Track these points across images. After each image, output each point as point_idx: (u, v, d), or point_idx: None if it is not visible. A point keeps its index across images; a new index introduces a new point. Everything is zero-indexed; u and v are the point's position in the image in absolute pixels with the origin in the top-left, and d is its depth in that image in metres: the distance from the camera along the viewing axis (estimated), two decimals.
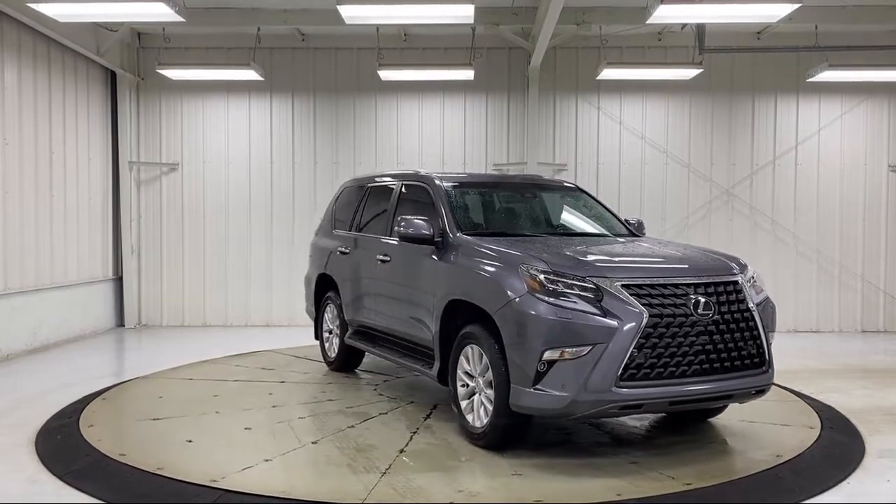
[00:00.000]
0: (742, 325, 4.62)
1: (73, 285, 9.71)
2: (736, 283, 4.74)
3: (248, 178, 10.89)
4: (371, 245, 6.45)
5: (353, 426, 5.33)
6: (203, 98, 10.87)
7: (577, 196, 6.61)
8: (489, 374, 4.71)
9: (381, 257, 6.15)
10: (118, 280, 10.85)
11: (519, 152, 10.69)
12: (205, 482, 4.14)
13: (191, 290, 10.96)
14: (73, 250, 9.75)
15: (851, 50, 9.77)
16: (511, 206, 6.36)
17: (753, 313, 4.68)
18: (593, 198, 6.72)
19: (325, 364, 7.48)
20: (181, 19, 7.56)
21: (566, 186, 6.79)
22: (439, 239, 5.39)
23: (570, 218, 6.51)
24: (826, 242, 10.73)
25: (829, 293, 10.74)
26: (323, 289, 7.47)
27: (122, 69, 10.42)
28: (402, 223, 5.43)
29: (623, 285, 4.44)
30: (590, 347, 4.24)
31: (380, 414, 5.68)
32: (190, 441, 4.96)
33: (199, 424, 5.38)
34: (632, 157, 10.75)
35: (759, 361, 4.68)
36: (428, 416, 5.68)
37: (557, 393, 4.29)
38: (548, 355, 4.30)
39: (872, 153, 10.74)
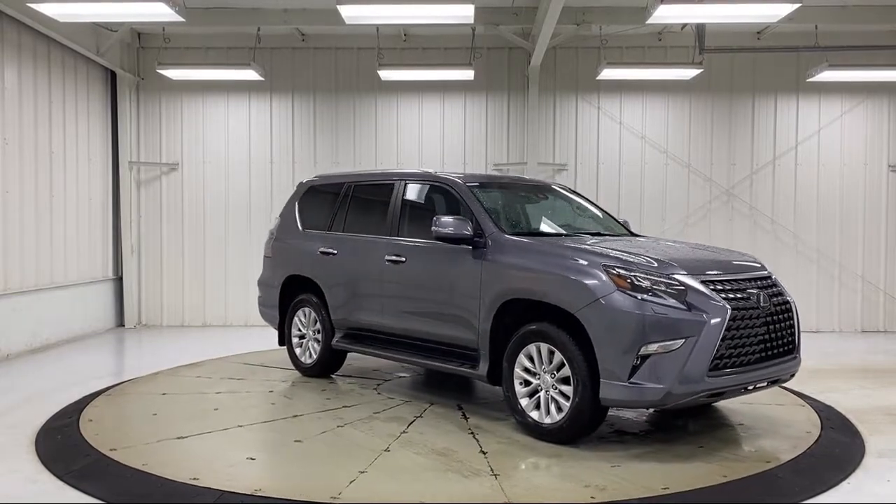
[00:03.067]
0: (784, 315, 5.07)
1: (73, 285, 9.71)
2: (771, 277, 5.25)
3: (249, 178, 10.89)
4: (372, 245, 6.32)
5: (405, 431, 5.20)
6: (203, 98, 10.87)
7: (576, 197, 6.85)
8: (564, 371, 4.82)
9: (393, 258, 6.05)
10: (118, 280, 10.85)
11: (519, 152, 10.70)
12: (325, 500, 3.94)
13: (191, 290, 10.97)
14: (73, 250, 9.75)
15: (851, 50, 9.78)
16: (528, 207, 6.41)
17: (791, 304, 5.18)
18: (587, 199, 6.96)
19: (291, 370, 7.16)
20: (181, 19, 7.57)
21: (564, 188, 7.01)
22: (478, 239, 5.43)
23: (583, 218, 6.63)
24: (826, 242, 10.73)
25: (829, 293, 10.74)
26: (291, 292, 7.16)
27: (122, 69, 10.43)
28: (439, 223, 5.44)
29: (703, 282, 4.73)
30: (682, 341, 4.48)
31: (416, 417, 5.58)
32: (253, 458, 4.61)
33: (237, 440, 5.05)
34: (632, 157, 10.75)
35: (791, 348, 5.13)
36: (464, 416, 5.66)
37: (653, 385, 4.47)
38: (644, 350, 4.47)
39: (872, 153, 10.74)
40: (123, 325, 10.82)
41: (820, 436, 5.21)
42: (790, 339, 5.10)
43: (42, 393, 6.51)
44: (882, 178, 10.74)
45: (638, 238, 6.19)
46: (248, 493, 4.03)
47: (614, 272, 4.68)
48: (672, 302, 4.56)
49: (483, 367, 5.37)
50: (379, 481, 4.25)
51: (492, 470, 4.44)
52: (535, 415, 5.03)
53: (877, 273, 10.74)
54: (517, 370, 5.13)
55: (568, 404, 4.80)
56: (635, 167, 10.75)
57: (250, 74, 9.91)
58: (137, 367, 7.82)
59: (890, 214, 10.73)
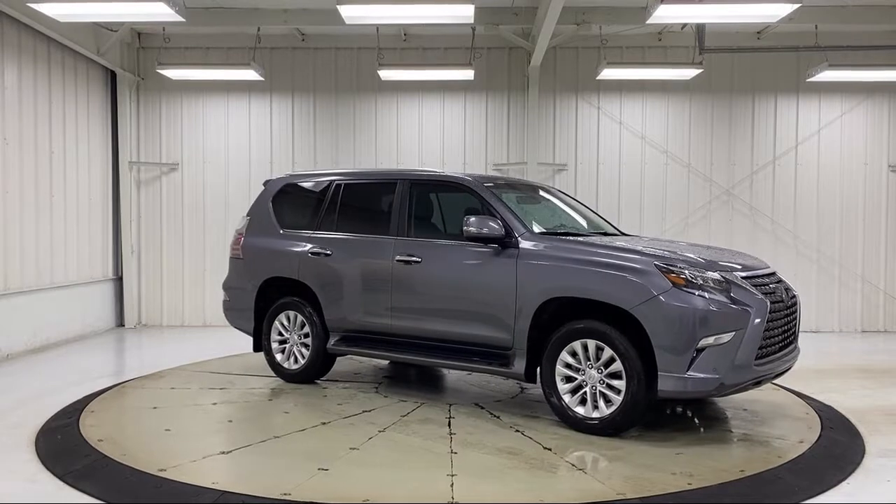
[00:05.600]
0: (794, 308, 5.49)
1: (73, 285, 9.71)
2: (776, 273, 5.60)
3: (249, 178, 10.88)
4: (378, 245, 6.19)
5: (453, 433, 5.16)
6: (203, 98, 10.88)
7: (565, 198, 6.97)
8: (616, 366, 4.97)
9: (405, 258, 5.96)
10: (118, 280, 10.85)
11: (519, 152, 10.69)
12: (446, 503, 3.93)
13: (191, 290, 10.97)
14: (73, 250, 9.75)
15: (851, 50, 9.77)
16: (536, 207, 6.42)
17: (797, 298, 5.55)
18: (576, 199, 7.15)
19: (266, 377, 6.88)
20: (181, 19, 7.56)
21: (551, 189, 7.10)
22: (508, 238, 5.50)
23: (579, 218, 6.67)
24: (826, 242, 10.73)
25: (829, 293, 10.74)
26: (270, 294, 6.87)
27: (122, 69, 10.43)
28: (471, 223, 5.49)
29: (742, 277, 5.07)
30: (733, 333, 4.77)
31: (448, 419, 5.54)
32: (326, 469, 4.40)
33: (288, 452, 4.79)
34: (632, 157, 10.75)
35: (794, 338, 5.55)
36: (492, 415, 5.68)
37: (709, 376, 4.75)
38: (703, 342, 4.73)
39: (872, 153, 10.74)
40: (123, 325, 10.82)
41: (820, 436, 5.22)
42: (795, 329, 5.54)
43: (42, 393, 6.51)
44: (882, 178, 10.74)
45: (642, 238, 6.40)
46: (356, 501, 3.92)
47: (668, 269, 4.90)
48: (720, 297, 4.84)
49: (520, 366, 5.42)
50: (477, 484, 4.22)
51: (573, 465, 4.54)
52: (580, 410, 5.15)
53: (877, 273, 10.74)
54: (559, 367, 5.23)
55: (619, 398, 4.97)
56: (635, 167, 10.75)
57: (250, 74, 9.91)
58: (138, 368, 7.82)
59: (890, 214, 10.73)
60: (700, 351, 4.73)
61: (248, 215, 7.26)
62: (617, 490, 4.09)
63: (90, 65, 10.12)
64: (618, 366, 4.96)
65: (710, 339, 4.73)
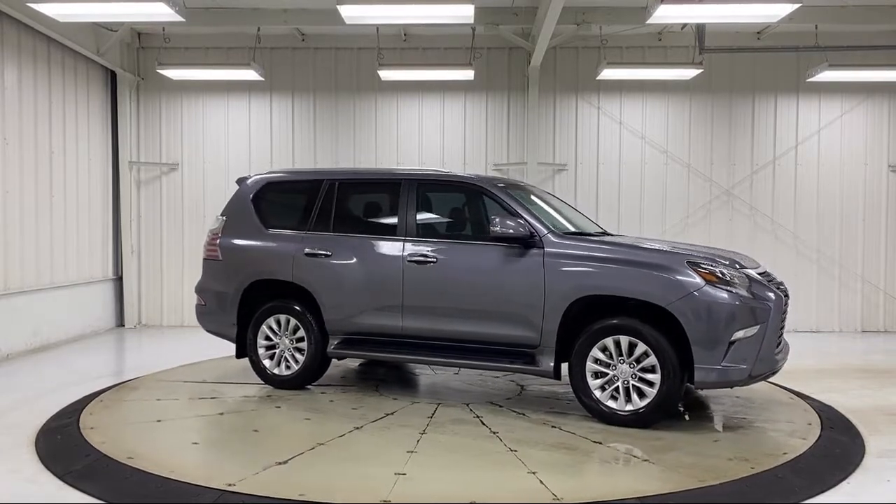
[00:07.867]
0: (787, 303, 5.64)
1: (73, 285, 9.71)
2: (767, 271, 5.79)
3: None
4: (385, 246, 6.09)
5: (494, 432, 5.17)
6: (203, 98, 10.88)
7: (550, 198, 7.02)
8: (650, 360, 5.17)
9: (418, 258, 5.89)
10: (118, 280, 10.85)
11: (519, 152, 10.69)
12: (553, 501, 3.94)
13: (190, 290, 10.90)
14: (73, 250, 9.75)
15: (851, 50, 9.77)
16: (541, 208, 6.39)
17: (787, 293, 5.71)
18: (561, 199, 7.29)
19: (248, 384, 6.58)
20: (181, 19, 7.55)
21: (537, 188, 7.16)
22: (530, 238, 5.57)
23: (565, 218, 6.59)
24: (826, 242, 10.72)
25: (829, 293, 10.74)
26: (253, 298, 6.57)
27: (122, 69, 10.43)
28: (496, 223, 5.56)
29: (759, 273, 5.39)
30: (758, 326, 5.07)
31: (476, 417, 5.55)
32: (403, 474, 4.31)
33: (346, 458, 4.65)
34: (632, 157, 10.75)
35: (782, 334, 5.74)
36: (515, 412, 5.71)
37: (740, 367, 5.05)
38: (736, 336, 5.01)
39: (872, 153, 10.74)
40: (123, 325, 10.82)
41: (820, 436, 5.22)
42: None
43: (42, 393, 6.52)
44: (882, 178, 10.74)
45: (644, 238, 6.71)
46: (464, 502, 3.90)
47: (699, 266, 5.16)
48: (745, 292, 5.12)
49: (548, 364, 5.51)
50: (564, 479, 4.25)
51: (634, 456, 4.68)
52: (612, 404, 5.31)
53: (877, 273, 10.73)
54: (589, 363, 5.37)
55: (654, 391, 5.17)
56: (635, 167, 10.75)
57: (250, 74, 9.91)
58: (138, 368, 7.81)
59: (890, 214, 10.73)
60: (732, 344, 4.99)
61: (223, 215, 6.90)
62: (697, 478, 4.24)
63: (90, 65, 10.12)
64: (651, 360, 5.16)
65: (741, 333, 4.99)
